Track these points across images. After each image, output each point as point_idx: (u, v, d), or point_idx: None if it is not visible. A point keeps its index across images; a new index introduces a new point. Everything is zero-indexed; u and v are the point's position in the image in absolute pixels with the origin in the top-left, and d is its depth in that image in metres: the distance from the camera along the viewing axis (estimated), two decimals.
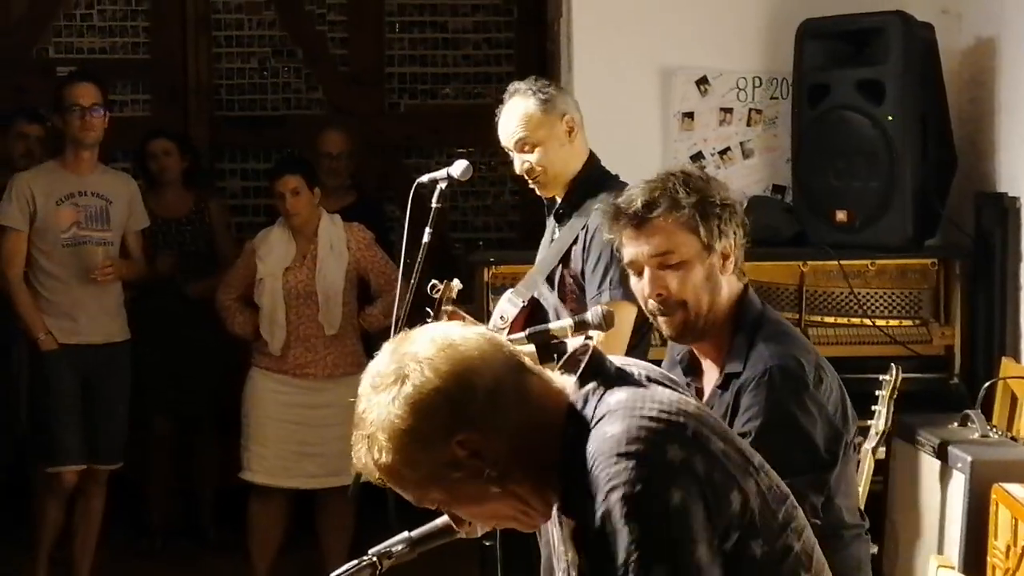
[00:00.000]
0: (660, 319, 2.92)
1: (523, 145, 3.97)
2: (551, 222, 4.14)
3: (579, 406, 2.02)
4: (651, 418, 1.97)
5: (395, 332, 3.84)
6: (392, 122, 7.52)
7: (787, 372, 2.79)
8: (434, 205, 3.95)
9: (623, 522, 1.89)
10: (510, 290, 4.09)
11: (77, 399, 5.37)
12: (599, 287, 3.83)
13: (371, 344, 5.60)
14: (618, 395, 2.02)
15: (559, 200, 4.07)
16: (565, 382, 2.06)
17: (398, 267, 3.98)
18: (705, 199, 2.84)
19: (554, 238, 4.08)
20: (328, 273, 5.44)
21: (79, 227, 5.37)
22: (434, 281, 3.84)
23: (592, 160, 4.06)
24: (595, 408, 2.01)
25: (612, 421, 1.96)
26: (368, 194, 6.72)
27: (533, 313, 4.00)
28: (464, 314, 3.82)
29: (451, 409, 1.95)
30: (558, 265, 4.02)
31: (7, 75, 7.09)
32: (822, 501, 2.80)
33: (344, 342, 5.50)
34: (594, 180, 3.98)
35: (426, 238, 3.90)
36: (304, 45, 7.53)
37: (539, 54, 6.95)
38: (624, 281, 3.78)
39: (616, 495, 1.90)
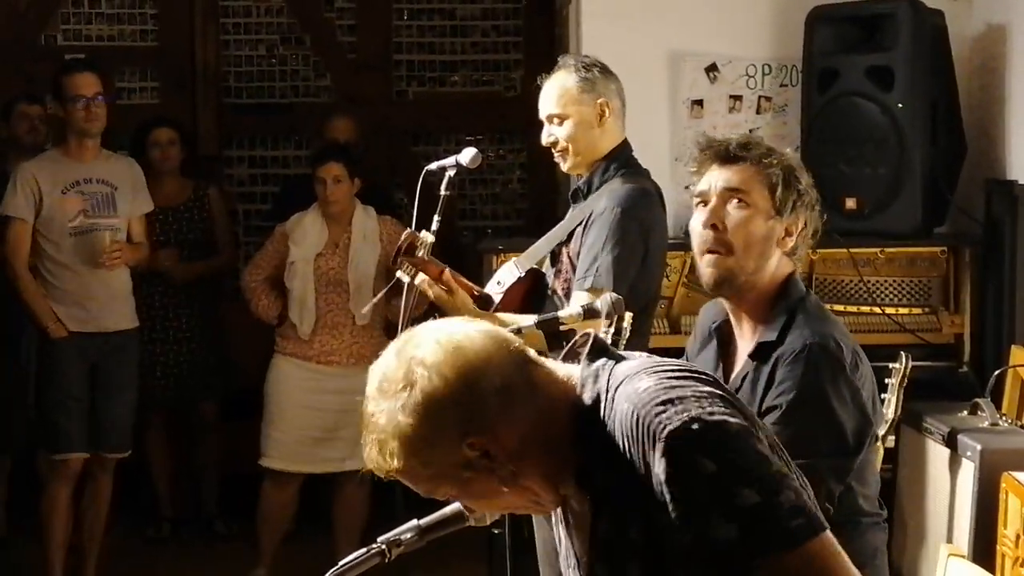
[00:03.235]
0: (704, 259, 2.89)
1: (552, 118, 3.94)
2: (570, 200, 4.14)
3: (591, 382, 2.02)
4: (676, 369, 1.99)
5: (403, 320, 3.87)
6: (400, 109, 7.50)
7: (826, 351, 2.78)
8: (442, 193, 3.95)
9: (694, 460, 1.87)
10: (514, 259, 4.10)
11: (85, 387, 5.37)
12: (585, 272, 3.80)
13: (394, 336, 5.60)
14: (630, 363, 2.02)
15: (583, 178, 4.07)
16: (570, 369, 2.06)
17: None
18: (792, 173, 2.87)
19: (568, 215, 4.08)
20: (361, 262, 5.48)
21: (86, 215, 5.36)
22: (408, 230, 3.90)
23: (622, 148, 3.99)
24: (608, 378, 2.00)
25: (637, 380, 1.96)
26: (376, 181, 6.71)
27: (533, 284, 4.00)
28: (439, 265, 3.83)
29: (460, 414, 1.94)
30: (563, 243, 4.02)
31: (15, 62, 7.08)
32: (840, 489, 2.79)
33: (371, 332, 5.51)
34: (618, 166, 3.95)
35: (434, 226, 3.89)
36: (312, 32, 7.51)
37: (548, 41, 6.94)
38: (608, 271, 3.77)
39: (678, 437, 1.88)
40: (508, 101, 7.36)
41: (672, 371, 1.99)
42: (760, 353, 2.86)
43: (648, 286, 3.93)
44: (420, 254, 3.86)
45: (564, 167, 4.04)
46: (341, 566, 2.15)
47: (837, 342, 2.81)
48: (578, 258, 3.89)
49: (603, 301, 3.25)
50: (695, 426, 1.88)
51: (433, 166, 4.04)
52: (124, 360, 5.48)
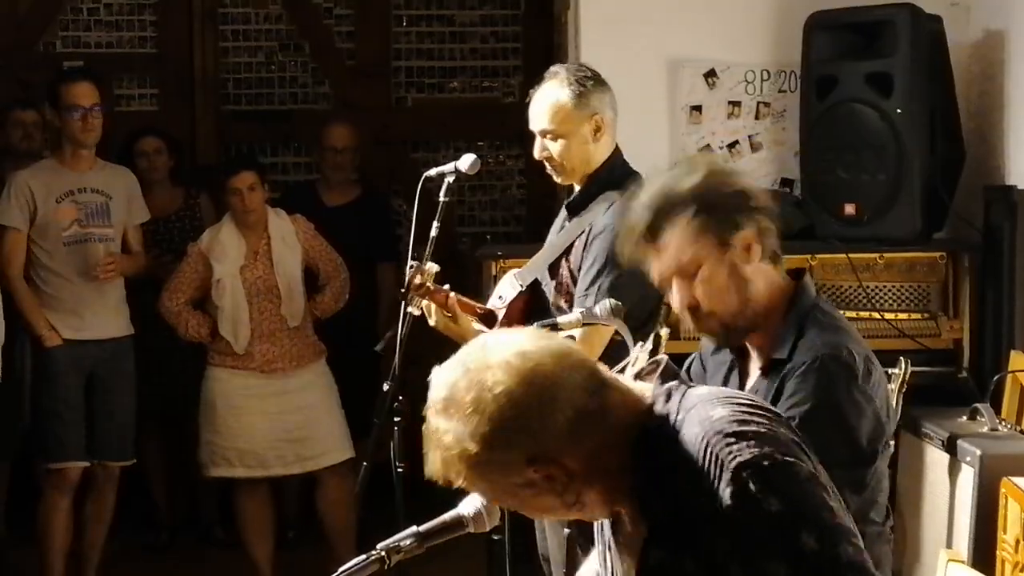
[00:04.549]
0: (699, 332, 2.88)
1: (546, 134, 3.92)
2: (563, 211, 4.13)
3: (661, 401, 2.01)
4: (751, 404, 1.98)
5: (401, 323, 3.86)
6: (399, 116, 7.51)
7: (838, 361, 2.75)
8: (441, 199, 3.94)
9: (760, 496, 1.86)
10: (513, 271, 4.08)
11: (80, 396, 5.37)
12: (586, 289, 3.81)
13: (322, 330, 5.62)
14: (704, 390, 2.03)
15: (577, 189, 4.06)
16: (644, 388, 2.04)
17: (406, 262, 3.97)
18: (711, 198, 2.76)
19: (564, 227, 4.07)
20: (286, 266, 5.48)
21: (80, 224, 5.35)
22: (411, 262, 3.85)
23: (615, 157, 3.99)
24: (681, 400, 2.00)
25: (711, 407, 1.96)
26: (374, 188, 6.72)
27: (533, 297, 4.00)
28: (444, 291, 3.81)
29: (529, 442, 1.93)
30: (561, 256, 4.01)
31: (13, 69, 7.09)
32: (857, 500, 2.76)
33: (304, 332, 5.54)
34: (613, 178, 3.93)
35: (434, 232, 3.89)
36: (311, 39, 7.52)
37: (546, 47, 6.94)
38: (613, 289, 3.75)
39: (748, 470, 1.87)
40: (507, 107, 7.36)
41: (747, 405, 1.98)
42: (772, 369, 2.84)
43: (653, 292, 3.93)
44: (428, 284, 3.82)
45: (558, 180, 4.05)
46: (340, 573, 2.15)
47: (850, 351, 2.78)
48: (579, 272, 3.89)
49: (602, 307, 3.25)
50: (765, 463, 1.87)
51: (432, 172, 4.04)
52: (120, 368, 5.48)
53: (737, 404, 1.97)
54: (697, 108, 5.37)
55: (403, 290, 3.84)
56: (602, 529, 2.20)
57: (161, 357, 6.00)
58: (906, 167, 4.85)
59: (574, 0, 5.53)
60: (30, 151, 6.04)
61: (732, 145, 5.38)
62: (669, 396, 2.01)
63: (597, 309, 3.36)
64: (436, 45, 7.55)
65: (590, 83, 3.91)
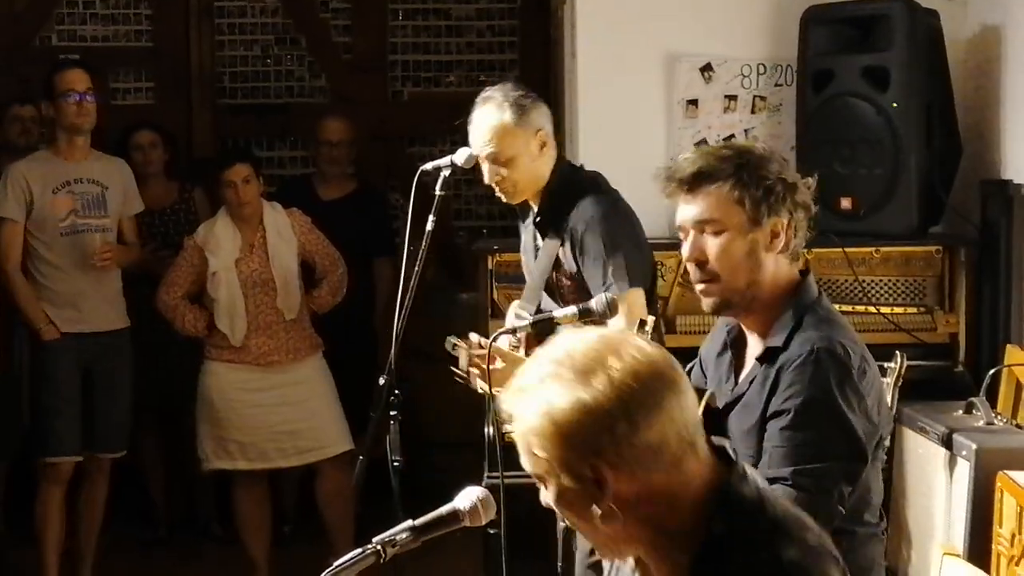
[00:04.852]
0: (698, 288, 2.91)
1: (495, 158, 3.94)
2: (530, 229, 4.13)
3: (736, 487, 1.99)
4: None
5: (399, 317, 3.86)
6: (395, 110, 7.51)
7: (834, 356, 2.77)
8: (438, 193, 3.95)
9: None
10: (516, 303, 4.08)
11: (77, 389, 5.36)
12: (603, 283, 3.83)
13: (320, 325, 5.62)
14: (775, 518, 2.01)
15: (534, 207, 4.07)
16: (710, 475, 2.00)
17: (403, 256, 3.97)
18: (758, 174, 2.82)
19: (538, 246, 4.07)
20: (281, 258, 5.48)
21: (76, 215, 5.35)
22: (454, 341, 3.78)
23: (560, 165, 4.05)
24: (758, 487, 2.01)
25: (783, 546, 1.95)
26: (369, 182, 6.71)
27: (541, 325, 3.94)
28: (515, 356, 3.71)
29: (605, 438, 1.91)
30: (551, 272, 4.01)
31: (10, 63, 7.08)
32: (851, 492, 2.78)
33: (301, 325, 5.54)
34: (570, 188, 4.00)
35: (429, 226, 3.90)
36: (307, 33, 7.51)
37: (543, 42, 6.93)
38: (624, 270, 3.79)
39: None
40: None
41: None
42: (767, 357, 2.85)
43: (649, 261, 4.06)
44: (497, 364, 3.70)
45: (509, 200, 4.06)
46: (336, 567, 2.15)
47: (845, 347, 2.80)
48: (578, 275, 3.90)
49: (598, 301, 3.25)
50: None
51: (428, 166, 4.05)
52: (117, 360, 5.48)
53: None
54: (693, 102, 5.37)
55: (468, 367, 3.72)
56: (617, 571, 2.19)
57: (158, 352, 6.00)
58: (902, 161, 4.85)
59: None
60: (27, 146, 6.02)
61: (728, 139, 5.36)
62: (745, 476, 2.01)
63: (593, 304, 3.36)
64: (432, 39, 7.55)
65: (528, 100, 3.96)
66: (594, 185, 4.03)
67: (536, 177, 3.98)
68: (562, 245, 3.96)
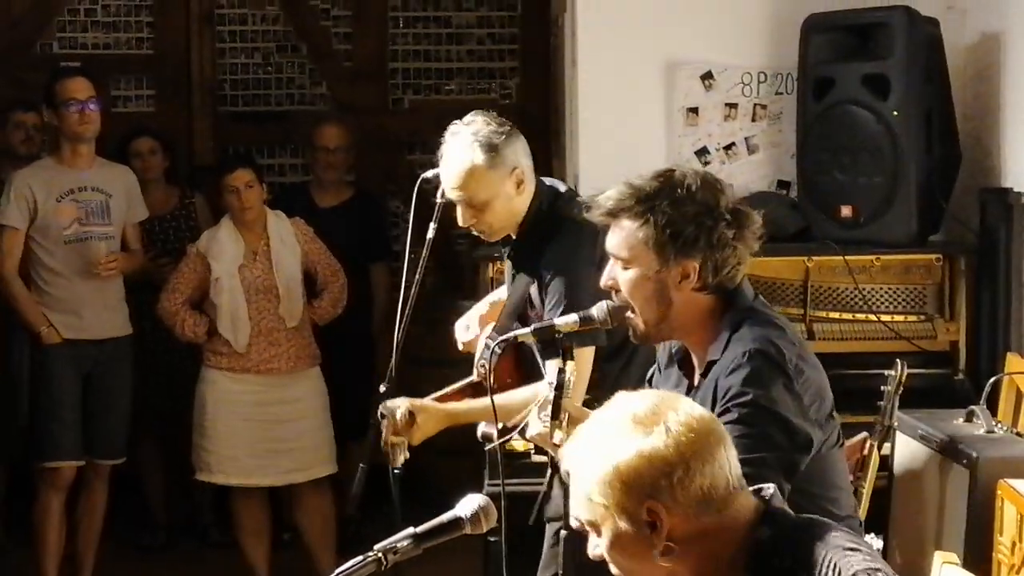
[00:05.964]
0: (617, 315, 3.00)
1: (467, 202, 3.75)
2: (507, 262, 4.02)
3: (771, 503, 2.19)
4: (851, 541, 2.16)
5: (400, 324, 3.86)
6: (396, 118, 7.51)
7: (767, 356, 2.79)
8: (438, 201, 3.94)
9: None
10: (487, 337, 3.90)
11: (77, 395, 5.37)
12: (550, 310, 3.73)
13: (316, 330, 5.62)
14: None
15: (513, 237, 3.91)
16: (754, 502, 2.19)
17: (399, 261, 3.97)
18: (669, 217, 2.81)
19: (513, 278, 3.95)
20: (285, 266, 5.49)
21: (80, 223, 5.36)
22: (382, 410, 3.67)
23: (537, 203, 3.83)
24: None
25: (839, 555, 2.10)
26: (366, 189, 6.71)
27: (516, 353, 3.84)
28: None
29: (663, 482, 2.09)
30: (525, 308, 3.92)
31: (10, 70, 7.09)
32: (788, 485, 2.77)
33: (302, 334, 5.55)
34: (544, 227, 3.81)
35: (430, 234, 3.90)
36: (308, 40, 7.52)
37: (543, 50, 6.94)
38: (568, 293, 3.70)
39: None
40: (504, 109, 7.31)
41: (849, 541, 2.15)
42: (708, 370, 2.89)
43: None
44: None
45: (487, 240, 3.94)
46: (338, 574, 2.16)
47: (778, 347, 2.82)
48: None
49: (599, 308, 3.24)
50: None
51: (429, 174, 4.04)
52: (118, 367, 5.49)
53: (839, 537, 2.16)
54: (694, 110, 5.37)
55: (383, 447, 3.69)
56: None
57: (159, 358, 6.01)
58: (902, 169, 4.85)
59: (571, 2, 5.53)
60: (30, 154, 6.03)
61: (728, 147, 5.38)
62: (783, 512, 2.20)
63: (594, 311, 3.35)
64: (433, 47, 7.56)
65: (500, 137, 3.72)
66: (567, 226, 3.76)
67: (514, 215, 3.80)
68: (532, 283, 3.88)
